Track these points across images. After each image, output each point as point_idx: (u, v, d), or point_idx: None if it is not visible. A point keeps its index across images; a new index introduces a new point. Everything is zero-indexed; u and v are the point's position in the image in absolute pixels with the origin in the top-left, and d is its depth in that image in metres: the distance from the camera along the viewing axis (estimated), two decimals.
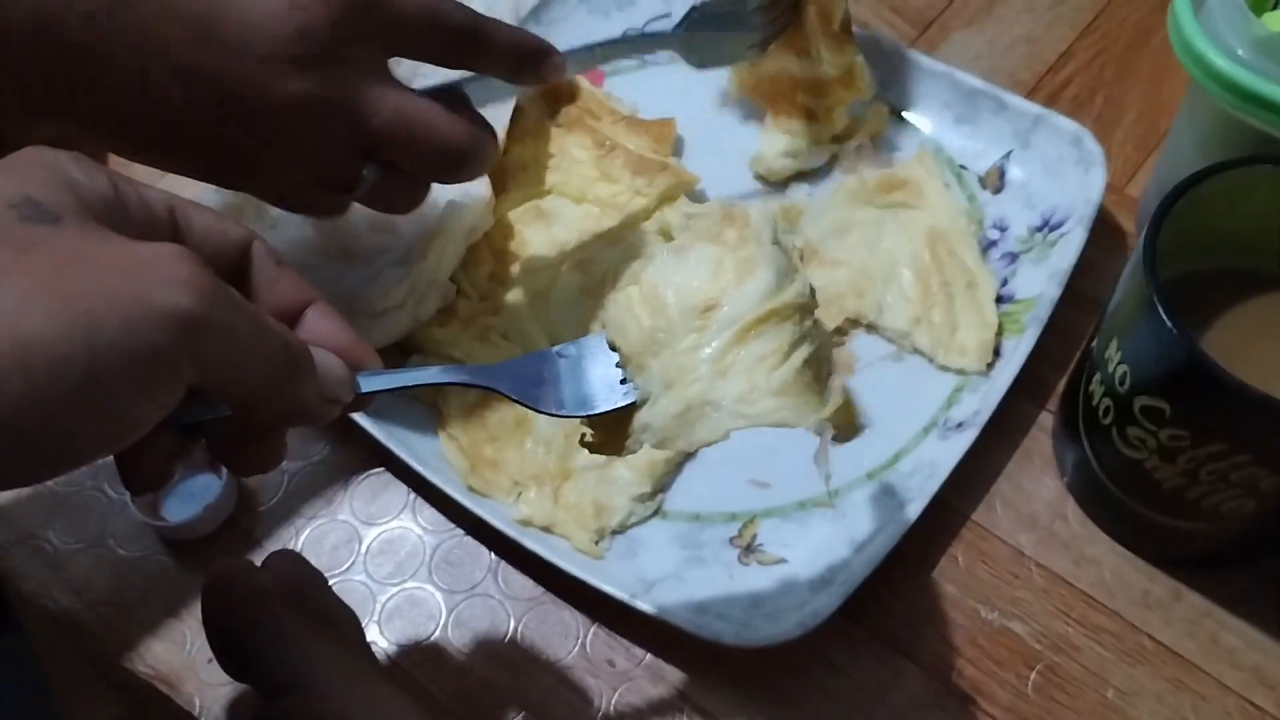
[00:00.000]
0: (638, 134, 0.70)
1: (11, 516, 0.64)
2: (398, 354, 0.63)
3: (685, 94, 0.73)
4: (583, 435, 0.48)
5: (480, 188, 0.64)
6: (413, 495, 0.63)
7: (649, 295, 0.47)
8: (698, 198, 0.69)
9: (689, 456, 0.61)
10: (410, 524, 0.62)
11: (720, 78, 0.74)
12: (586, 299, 0.65)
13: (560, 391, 0.47)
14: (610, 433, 0.47)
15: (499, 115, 0.66)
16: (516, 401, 0.46)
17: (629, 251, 0.66)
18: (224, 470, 0.62)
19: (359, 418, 0.61)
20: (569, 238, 0.67)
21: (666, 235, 0.67)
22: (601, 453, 0.47)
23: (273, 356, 0.36)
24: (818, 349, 0.47)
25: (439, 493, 0.60)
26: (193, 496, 0.63)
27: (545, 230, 0.68)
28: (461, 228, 0.63)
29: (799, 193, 0.69)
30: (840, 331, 0.64)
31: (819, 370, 0.47)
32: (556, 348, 0.48)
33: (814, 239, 0.66)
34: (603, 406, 0.46)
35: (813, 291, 0.47)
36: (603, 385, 0.47)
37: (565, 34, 0.75)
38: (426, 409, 0.63)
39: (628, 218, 0.67)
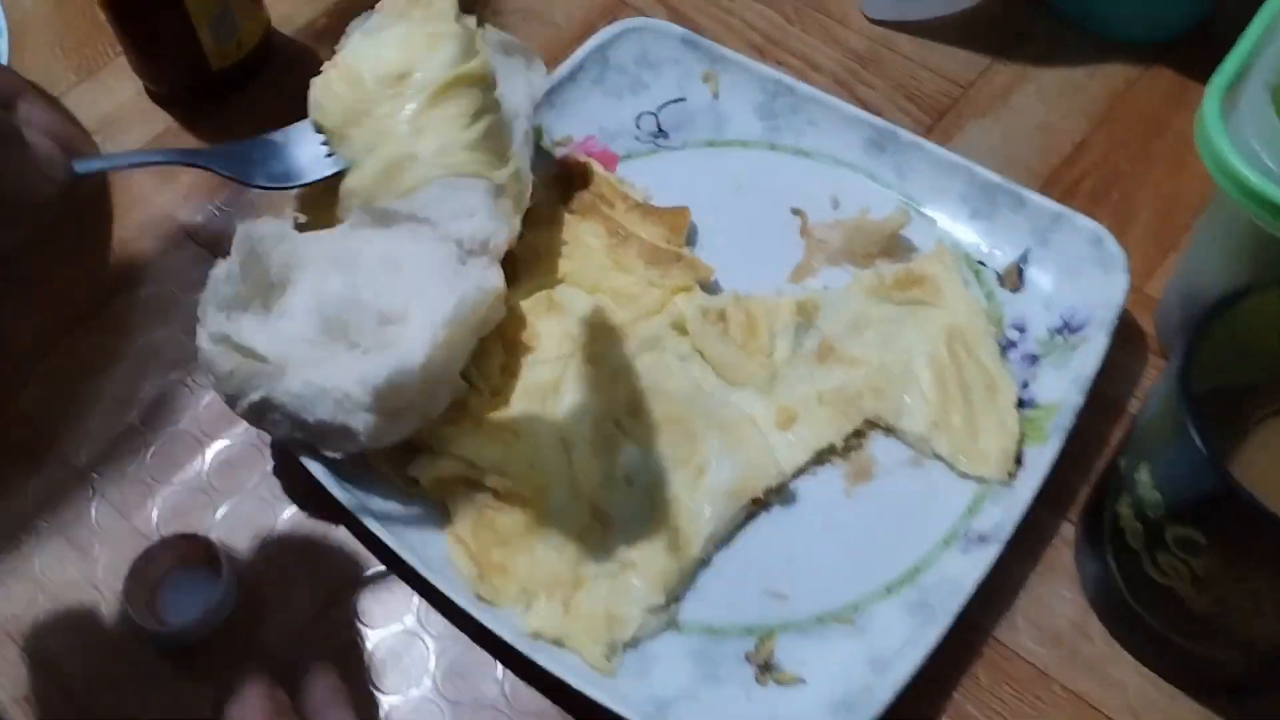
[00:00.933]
0: (651, 222, 0.69)
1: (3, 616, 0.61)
2: (404, 452, 0.62)
3: (700, 180, 0.72)
4: (295, 219, 0.53)
5: (493, 279, 0.62)
6: (418, 600, 0.61)
7: (346, 71, 0.53)
8: (712, 289, 0.68)
9: (704, 565, 0.60)
10: (417, 629, 0.60)
11: (737, 164, 0.73)
12: (599, 394, 0.64)
13: (270, 169, 0.53)
14: (323, 210, 0.53)
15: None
16: (228, 177, 0.53)
17: (643, 345, 0.65)
18: (225, 568, 0.60)
19: (365, 515, 0.59)
20: (581, 330, 0.66)
21: (680, 329, 0.66)
22: (317, 225, 0.53)
23: None
24: (498, 118, 0.54)
25: (447, 599, 0.58)
26: (194, 600, 0.61)
27: (557, 322, 0.66)
28: (473, 321, 0.62)
29: (817, 283, 0.68)
30: (858, 434, 0.63)
31: (501, 138, 0.54)
32: (265, 135, 0.55)
33: (831, 334, 0.65)
34: (310, 177, 0.52)
35: (493, 71, 0.55)
36: (311, 160, 0.52)
37: (580, 116, 0.74)
38: (434, 508, 0.62)
39: (641, 311, 0.66)
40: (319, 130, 0.54)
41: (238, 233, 0.59)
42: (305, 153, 0.54)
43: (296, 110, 0.77)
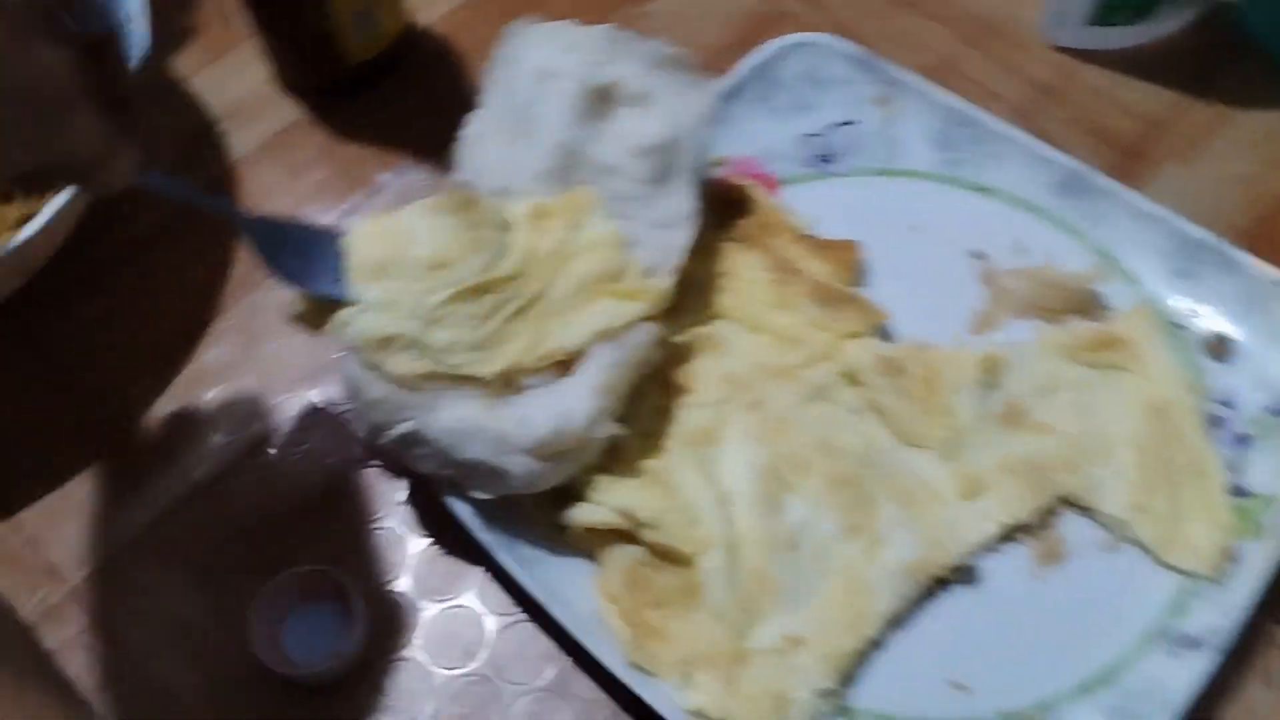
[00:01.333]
0: (819, 257, 0.64)
1: (122, 641, 0.58)
2: (551, 494, 0.57)
3: (869, 212, 0.67)
4: (293, 304, 0.56)
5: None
6: (564, 655, 0.57)
7: (392, 231, 0.55)
8: (885, 335, 0.63)
9: (878, 646, 0.55)
10: (557, 692, 0.56)
11: (910, 197, 0.67)
12: (759, 444, 0.59)
13: (290, 260, 0.54)
14: (316, 311, 0.55)
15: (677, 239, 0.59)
16: (257, 253, 0.54)
17: (810, 394, 0.60)
18: (359, 611, 0.55)
19: (509, 561, 0.55)
20: (742, 372, 0.61)
21: (852, 379, 0.60)
22: (304, 324, 0.56)
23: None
24: (519, 304, 0.55)
25: (591, 656, 0.54)
26: (321, 635, 0.57)
27: (715, 360, 0.61)
28: (633, 363, 0.57)
29: (1001, 337, 0.63)
30: (1048, 511, 0.58)
31: (522, 315, 0.55)
32: (298, 221, 0.57)
33: (1018, 396, 0.60)
34: (318, 289, 0.54)
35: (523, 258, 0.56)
36: (325, 270, 0.54)
37: (740, 135, 0.69)
38: (582, 559, 0.57)
39: (807, 355, 0.61)
40: (342, 252, 0.55)
41: None
42: (325, 260, 0.55)
43: (425, 112, 0.74)
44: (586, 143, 0.58)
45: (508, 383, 0.54)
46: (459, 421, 0.53)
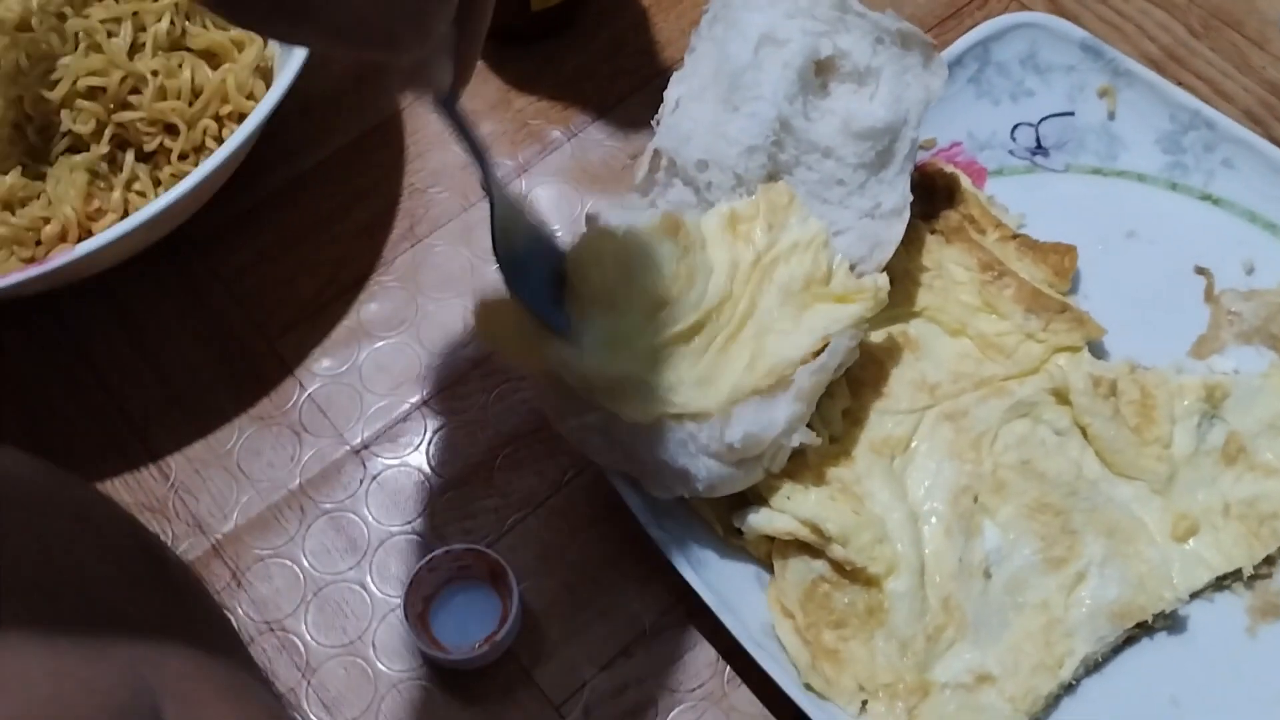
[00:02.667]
0: (1032, 260, 0.59)
1: (261, 600, 0.55)
2: (730, 499, 0.53)
3: (1084, 214, 0.62)
4: (490, 311, 0.50)
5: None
6: (726, 667, 0.53)
7: (623, 258, 0.50)
8: (1099, 352, 0.57)
9: (1070, 690, 0.51)
10: (715, 702, 0.53)
11: (1130, 201, 0.62)
12: (954, 460, 0.54)
13: (508, 252, 0.47)
14: (501, 324, 0.49)
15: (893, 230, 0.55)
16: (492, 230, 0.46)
17: (1014, 410, 0.55)
18: (514, 595, 0.53)
19: (681, 561, 0.51)
20: (940, 379, 0.56)
21: (1061, 397, 0.56)
22: (484, 336, 0.53)
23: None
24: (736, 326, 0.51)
25: (755, 666, 0.50)
26: (470, 618, 0.54)
27: (912, 364, 0.57)
28: (835, 368, 0.52)
29: (1225, 363, 0.57)
30: (1269, 561, 0.52)
31: (736, 338, 0.50)
32: (532, 216, 0.50)
33: (1241, 431, 0.55)
34: (530, 305, 0.48)
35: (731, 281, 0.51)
36: (540, 289, 0.48)
37: (948, 119, 0.64)
38: (754, 565, 0.54)
39: (1013, 366, 0.56)
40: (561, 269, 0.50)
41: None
42: (541, 276, 0.49)
43: (604, 67, 0.69)
44: (800, 119, 0.53)
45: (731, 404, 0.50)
46: (647, 418, 0.50)
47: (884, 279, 0.52)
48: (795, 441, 0.51)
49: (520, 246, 0.48)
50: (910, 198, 0.55)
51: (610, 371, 0.49)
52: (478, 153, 0.46)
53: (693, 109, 0.54)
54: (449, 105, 0.44)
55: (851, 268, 0.54)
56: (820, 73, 0.54)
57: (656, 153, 0.55)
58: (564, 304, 0.50)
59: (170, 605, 0.33)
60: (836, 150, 0.53)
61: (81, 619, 0.29)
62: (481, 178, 0.46)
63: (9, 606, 0.28)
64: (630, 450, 0.50)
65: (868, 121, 0.53)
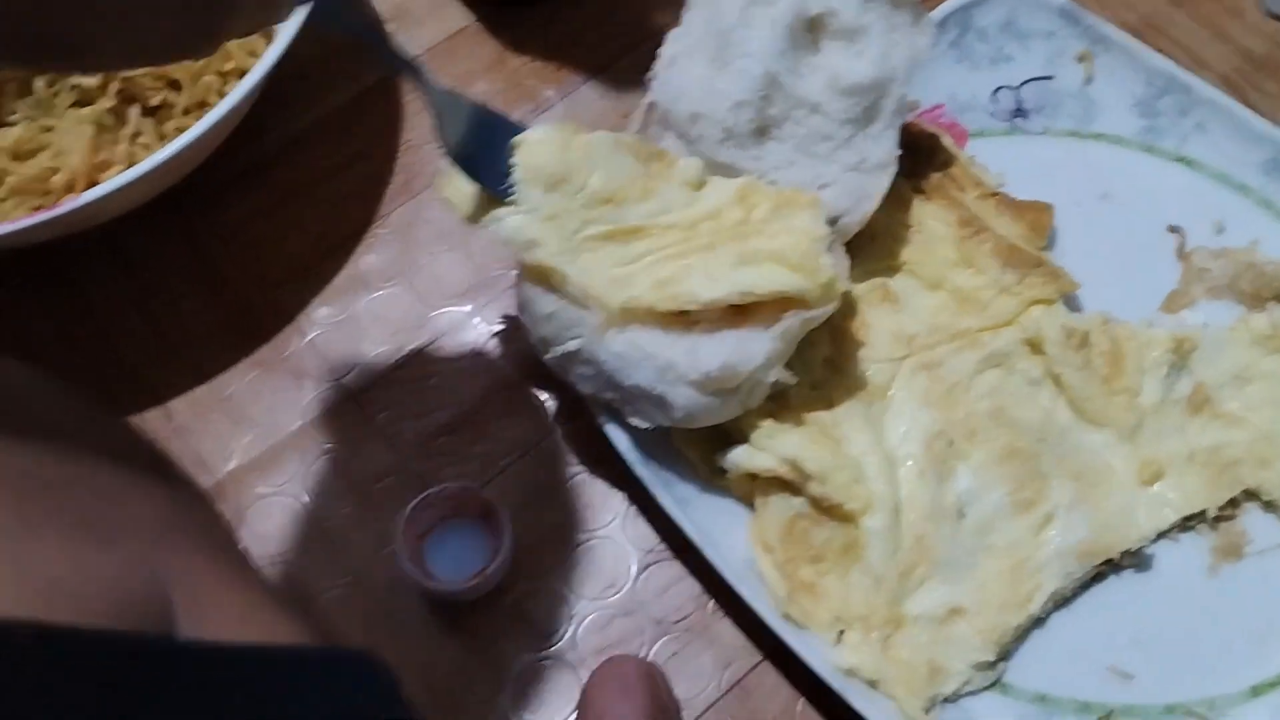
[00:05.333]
0: (1009, 216, 0.61)
1: (263, 537, 0.57)
2: (711, 436, 0.55)
3: (1061, 174, 0.64)
4: (447, 184, 0.54)
5: (840, 264, 0.55)
6: (710, 600, 0.55)
7: (573, 150, 0.53)
8: (1073, 306, 0.60)
9: (1039, 623, 0.53)
10: (699, 633, 0.55)
11: (1105, 162, 0.64)
12: (930, 409, 0.56)
13: (467, 141, 0.52)
14: (457, 191, 0.53)
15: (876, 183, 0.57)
16: (434, 124, 0.52)
17: (988, 360, 0.57)
18: (505, 532, 0.55)
19: (665, 498, 0.53)
20: (917, 330, 0.58)
21: (1035, 348, 0.58)
22: (451, 205, 0.54)
23: None
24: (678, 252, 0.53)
25: (738, 599, 0.52)
26: (463, 555, 0.56)
27: (891, 315, 0.59)
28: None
29: (1194, 318, 0.59)
30: (1232, 504, 0.55)
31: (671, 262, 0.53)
32: (484, 105, 0.54)
33: (1208, 382, 0.57)
34: (483, 179, 0.52)
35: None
36: (494, 162, 0.53)
37: (931, 82, 0.66)
38: (735, 503, 0.56)
39: (989, 318, 0.58)
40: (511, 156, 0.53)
41: None
42: (496, 153, 0.53)
43: (600, 28, 0.71)
44: (789, 75, 0.55)
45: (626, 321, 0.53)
46: (628, 345, 0.52)
47: (845, 271, 0.54)
48: (771, 378, 0.53)
49: (464, 128, 0.53)
50: (898, 153, 0.57)
51: (533, 235, 0.52)
52: (378, 42, 0.50)
53: (686, 65, 0.56)
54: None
55: (834, 221, 0.56)
56: (812, 30, 0.56)
57: (651, 106, 0.57)
58: (512, 181, 0.53)
59: (175, 497, 0.35)
60: (824, 105, 0.55)
61: (94, 512, 0.31)
62: (382, 53, 0.50)
63: (31, 500, 0.30)
64: (611, 379, 0.52)
65: (854, 77, 0.55)
